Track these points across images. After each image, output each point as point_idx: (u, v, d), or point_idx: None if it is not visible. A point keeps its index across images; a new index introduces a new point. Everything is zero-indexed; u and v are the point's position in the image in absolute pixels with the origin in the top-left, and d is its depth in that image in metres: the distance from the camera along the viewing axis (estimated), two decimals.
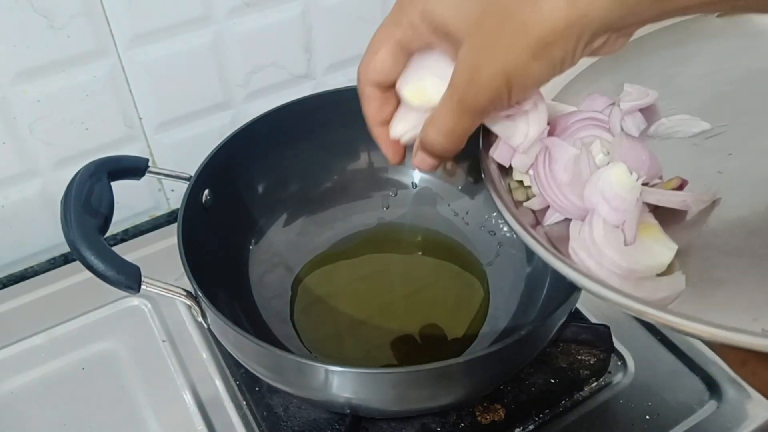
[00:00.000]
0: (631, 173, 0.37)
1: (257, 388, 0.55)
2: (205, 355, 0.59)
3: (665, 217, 0.37)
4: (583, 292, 0.47)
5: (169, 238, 0.69)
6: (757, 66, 0.44)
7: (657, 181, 0.39)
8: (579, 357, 0.56)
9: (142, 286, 0.45)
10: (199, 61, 0.66)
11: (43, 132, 0.62)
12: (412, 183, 0.68)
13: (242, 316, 0.56)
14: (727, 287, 0.33)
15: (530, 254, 0.61)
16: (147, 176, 0.53)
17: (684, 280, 0.34)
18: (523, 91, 0.33)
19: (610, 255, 0.34)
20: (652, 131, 0.43)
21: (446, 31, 0.32)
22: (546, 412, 0.54)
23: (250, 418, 0.54)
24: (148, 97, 0.65)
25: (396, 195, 0.68)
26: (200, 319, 0.48)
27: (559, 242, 0.37)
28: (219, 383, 0.56)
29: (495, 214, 0.65)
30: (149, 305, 0.63)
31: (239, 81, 0.69)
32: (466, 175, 0.66)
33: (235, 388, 0.56)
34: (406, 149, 0.42)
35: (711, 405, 0.54)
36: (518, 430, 0.53)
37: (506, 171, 0.42)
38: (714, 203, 0.38)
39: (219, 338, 0.49)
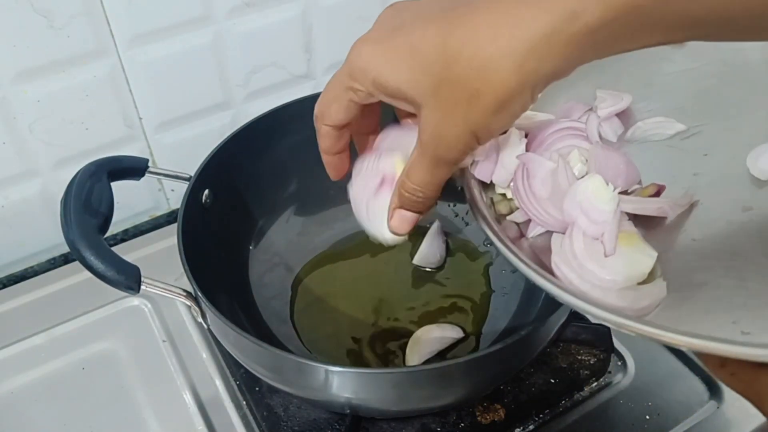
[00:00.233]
0: (607, 184, 0.37)
1: (257, 388, 0.55)
2: (205, 355, 0.59)
3: (644, 222, 0.38)
4: None
5: (169, 238, 0.69)
6: (733, 60, 0.44)
7: (636, 186, 0.40)
8: (579, 357, 0.56)
9: (142, 287, 0.45)
10: (199, 61, 0.66)
11: (43, 132, 0.62)
12: None
13: (242, 316, 0.56)
14: (707, 291, 0.33)
15: None
16: (147, 176, 0.53)
17: (665, 286, 0.34)
18: (490, 137, 0.34)
19: (590, 268, 0.35)
20: (629, 135, 0.43)
21: (404, 97, 0.33)
22: (546, 412, 0.54)
23: (250, 418, 0.54)
24: (148, 97, 0.65)
25: None
26: (200, 319, 0.48)
27: (544, 253, 0.38)
28: (219, 383, 0.56)
29: None
30: (149, 305, 0.63)
31: (239, 81, 0.69)
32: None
33: (235, 388, 0.56)
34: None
35: (711, 405, 0.54)
36: (518, 430, 0.53)
37: (487, 185, 0.42)
38: (692, 206, 0.38)
39: (219, 338, 0.49)
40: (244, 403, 0.55)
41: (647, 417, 0.53)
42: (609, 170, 0.38)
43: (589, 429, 0.53)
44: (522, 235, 0.40)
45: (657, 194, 0.39)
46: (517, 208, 0.40)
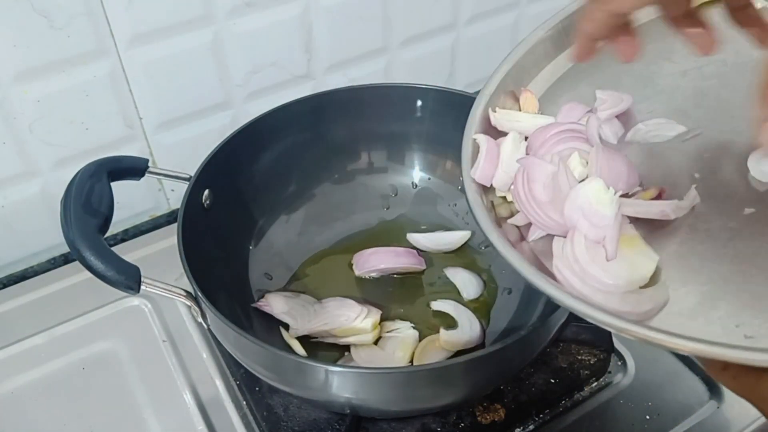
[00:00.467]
0: (608, 188, 0.37)
1: (257, 388, 0.55)
2: (205, 355, 0.59)
3: (646, 225, 0.37)
4: None
5: (169, 238, 0.69)
6: (734, 60, 0.44)
7: (637, 189, 0.39)
8: (579, 357, 0.56)
9: (142, 287, 0.45)
10: (199, 61, 0.66)
11: (43, 132, 0.62)
12: (412, 183, 0.68)
13: (242, 316, 0.56)
14: (710, 294, 0.33)
15: None
16: (147, 176, 0.53)
17: (668, 290, 0.34)
18: None
19: (593, 272, 0.35)
20: (629, 137, 0.43)
21: None
22: (546, 412, 0.54)
23: (250, 418, 0.54)
24: (148, 97, 0.65)
25: (396, 195, 0.68)
26: (200, 319, 0.48)
27: (544, 257, 0.38)
28: (219, 383, 0.56)
29: None
30: (149, 305, 0.63)
31: (239, 81, 0.69)
32: None
33: (235, 388, 0.56)
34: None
35: (711, 405, 0.54)
36: (518, 430, 0.53)
37: (488, 188, 0.42)
38: (694, 208, 0.38)
39: (219, 338, 0.49)
40: (244, 403, 0.55)
41: (647, 417, 0.53)
42: (610, 173, 0.38)
43: (589, 429, 0.53)
44: (523, 238, 0.40)
45: (659, 197, 0.39)
46: (518, 211, 0.40)
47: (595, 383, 0.56)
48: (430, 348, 0.55)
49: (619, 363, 0.57)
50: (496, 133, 0.44)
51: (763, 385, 0.30)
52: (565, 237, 0.37)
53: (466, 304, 0.59)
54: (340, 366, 0.46)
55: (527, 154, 0.42)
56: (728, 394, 0.54)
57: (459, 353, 0.54)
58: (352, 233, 0.66)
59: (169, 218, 0.75)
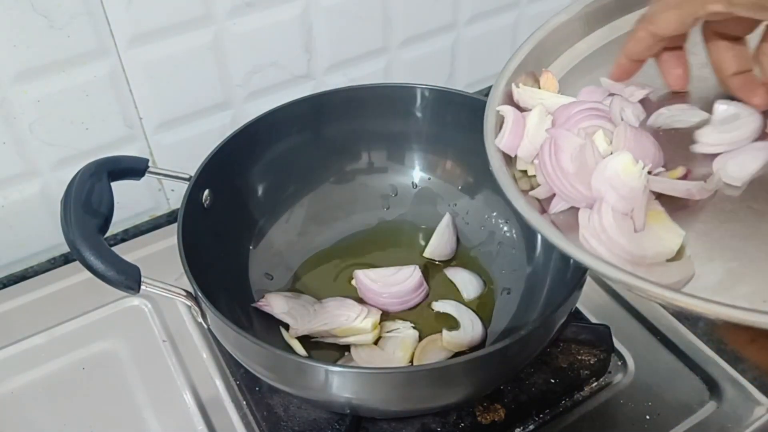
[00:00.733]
0: (637, 162, 0.37)
1: (257, 388, 0.55)
2: (205, 355, 0.59)
3: (670, 203, 0.38)
4: (583, 291, 0.48)
5: (169, 238, 0.69)
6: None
7: (660, 169, 0.40)
8: (579, 357, 0.56)
9: (142, 287, 0.45)
10: (199, 61, 0.66)
11: (43, 132, 0.62)
12: (412, 183, 0.68)
13: (242, 316, 0.56)
14: (736, 271, 0.34)
15: (530, 254, 0.61)
16: (147, 176, 0.53)
17: (693, 265, 0.34)
18: None
19: (620, 242, 0.35)
20: (651, 121, 0.43)
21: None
22: (546, 412, 0.54)
23: (250, 418, 0.54)
24: (148, 97, 0.65)
25: (396, 195, 0.68)
26: (200, 319, 0.48)
27: (565, 230, 0.38)
28: (219, 383, 0.56)
29: (495, 213, 0.65)
30: (149, 305, 0.63)
31: (239, 81, 0.69)
32: (466, 175, 0.66)
33: (235, 388, 0.56)
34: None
35: (711, 405, 0.54)
36: (518, 430, 0.53)
37: (509, 161, 0.42)
38: (716, 192, 0.38)
39: (219, 338, 0.49)
40: (244, 403, 0.55)
41: (647, 417, 0.53)
42: (637, 149, 0.39)
43: (589, 429, 0.53)
44: (544, 211, 0.40)
45: (685, 177, 0.39)
46: (538, 185, 0.41)
47: (595, 383, 0.56)
48: (430, 348, 0.55)
49: (619, 363, 0.57)
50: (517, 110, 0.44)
51: None
52: (590, 209, 0.37)
53: (467, 304, 0.59)
54: (340, 366, 0.45)
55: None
56: (728, 394, 0.54)
57: (458, 353, 0.54)
58: (352, 233, 0.66)
59: (169, 218, 0.75)
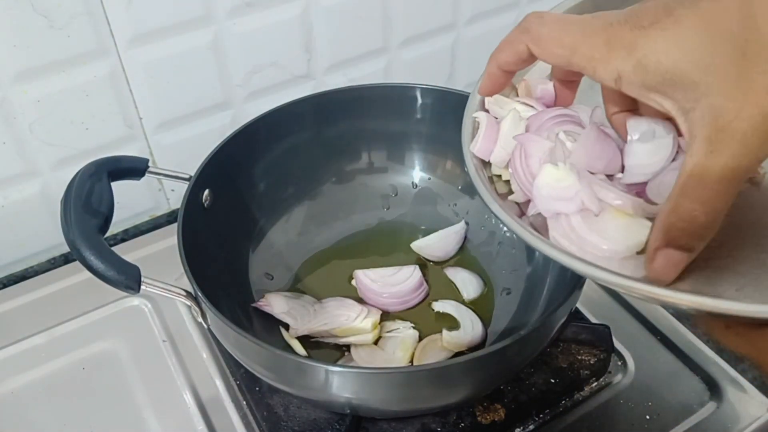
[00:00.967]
0: (556, 165, 0.38)
1: (257, 388, 0.55)
2: (205, 355, 0.59)
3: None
4: (583, 291, 0.48)
5: (169, 238, 0.69)
6: None
7: (619, 175, 0.40)
8: (579, 357, 0.56)
9: (142, 287, 0.45)
10: (199, 61, 0.66)
11: (43, 132, 0.62)
12: (413, 183, 0.68)
13: (242, 316, 0.56)
14: (710, 262, 0.34)
15: (530, 254, 0.61)
16: (147, 176, 0.53)
17: None
18: None
19: (590, 239, 0.35)
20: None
21: (677, 79, 0.30)
22: (546, 412, 0.54)
23: (250, 418, 0.54)
24: (148, 97, 0.65)
25: (396, 195, 0.68)
26: (200, 319, 0.48)
27: (544, 231, 0.39)
28: (219, 383, 0.56)
29: None
30: (149, 305, 0.63)
31: (239, 81, 0.69)
32: (466, 175, 0.66)
33: (235, 388, 0.56)
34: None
35: (711, 405, 0.54)
36: (518, 430, 0.53)
37: (485, 164, 0.43)
38: None
39: (219, 338, 0.49)
40: (244, 403, 0.55)
41: (647, 417, 0.53)
42: (592, 151, 0.39)
43: (589, 429, 0.53)
44: (523, 213, 0.40)
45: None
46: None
47: (595, 383, 0.56)
48: (430, 348, 0.55)
49: (619, 363, 0.57)
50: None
51: (764, 338, 0.30)
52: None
53: (467, 304, 0.59)
54: (340, 366, 0.45)
55: None
56: (728, 394, 0.54)
57: (458, 353, 0.54)
58: (352, 233, 0.66)
59: (169, 218, 0.75)
